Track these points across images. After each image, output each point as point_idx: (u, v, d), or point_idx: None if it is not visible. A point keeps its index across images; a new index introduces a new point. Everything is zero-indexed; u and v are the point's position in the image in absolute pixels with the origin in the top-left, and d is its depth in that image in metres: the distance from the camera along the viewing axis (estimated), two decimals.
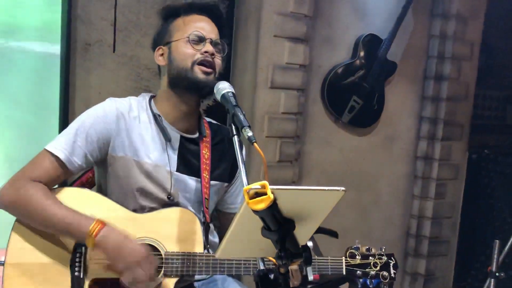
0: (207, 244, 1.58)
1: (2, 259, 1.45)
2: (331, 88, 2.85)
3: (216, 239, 1.69)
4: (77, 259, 1.46)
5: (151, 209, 1.55)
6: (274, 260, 1.08)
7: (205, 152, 1.62)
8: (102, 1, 2.39)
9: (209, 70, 1.53)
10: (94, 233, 1.39)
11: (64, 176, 1.52)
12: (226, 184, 1.71)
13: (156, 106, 1.61)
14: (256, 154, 1.17)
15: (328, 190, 1.02)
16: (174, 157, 1.59)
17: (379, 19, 2.95)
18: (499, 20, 3.35)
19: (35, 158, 1.50)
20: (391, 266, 1.64)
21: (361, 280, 1.89)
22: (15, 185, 1.45)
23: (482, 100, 3.46)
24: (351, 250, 1.63)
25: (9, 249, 1.45)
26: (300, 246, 1.06)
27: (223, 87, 1.40)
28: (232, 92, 1.39)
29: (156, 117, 1.58)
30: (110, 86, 2.44)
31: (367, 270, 1.62)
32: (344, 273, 1.61)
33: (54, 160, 1.48)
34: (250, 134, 1.24)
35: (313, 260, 1.53)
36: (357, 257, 1.63)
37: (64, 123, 2.28)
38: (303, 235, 1.08)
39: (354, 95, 2.91)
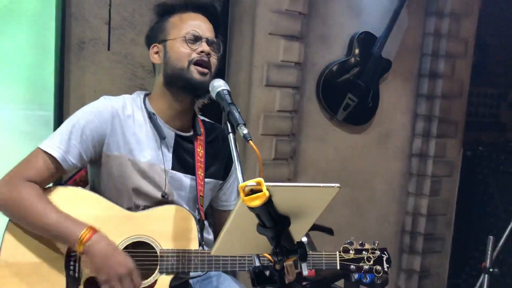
0: (202, 241, 1.57)
1: None
2: (326, 86, 2.86)
3: (211, 236, 1.69)
4: (72, 258, 1.45)
5: (146, 208, 1.55)
6: (269, 257, 1.09)
7: (200, 150, 1.62)
8: None
9: (205, 70, 1.53)
10: (84, 239, 1.38)
11: (58, 175, 1.51)
12: (220, 182, 1.71)
13: (151, 104, 1.61)
14: (252, 151, 1.17)
15: (323, 187, 1.03)
16: (169, 155, 1.59)
17: (373, 17, 2.96)
18: (493, 17, 3.37)
19: (28, 157, 1.49)
20: (384, 261, 1.66)
21: (356, 276, 1.90)
22: (8, 186, 1.44)
23: (477, 97, 3.48)
24: (344, 245, 1.65)
25: (2, 249, 1.44)
26: (295, 243, 1.06)
27: (218, 85, 1.41)
28: (227, 90, 1.39)
29: (151, 116, 1.57)
30: (105, 84, 2.43)
31: (360, 264, 1.64)
32: (338, 267, 1.62)
33: (48, 159, 1.47)
34: (245, 131, 1.24)
35: (307, 255, 1.54)
36: (351, 252, 1.64)
37: (59, 121, 2.27)
38: (299, 231, 1.09)
39: (349, 92, 2.92)
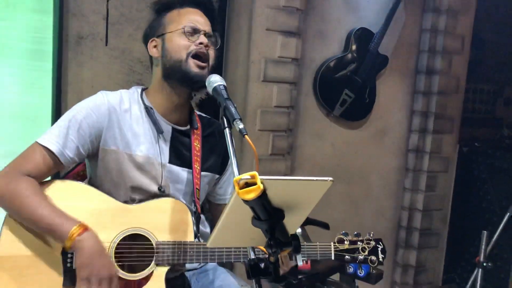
0: (197, 233, 1.59)
1: None
2: (323, 82, 2.87)
3: (208, 230, 1.70)
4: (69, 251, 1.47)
5: (141, 201, 1.57)
6: (264, 249, 1.10)
7: (196, 144, 1.64)
8: None
9: (203, 64, 1.54)
10: (74, 235, 1.39)
11: (56, 169, 1.52)
12: (217, 176, 1.73)
13: (148, 98, 1.62)
14: (249, 146, 1.18)
15: (316, 180, 1.05)
16: (166, 149, 1.60)
17: (371, 13, 2.97)
18: (489, 14, 3.38)
19: (26, 151, 1.50)
20: (379, 251, 1.67)
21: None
22: (5, 179, 1.45)
23: (473, 93, 3.50)
24: (339, 236, 1.66)
25: (0, 242, 1.45)
26: (289, 235, 1.08)
27: (215, 80, 1.42)
28: (224, 85, 1.41)
29: (148, 110, 1.59)
30: (103, 79, 2.44)
31: (355, 255, 1.64)
32: (333, 258, 1.63)
33: (46, 153, 1.48)
34: (241, 126, 1.26)
35: (302, 246, 1.56)
36: (346, 242, 1.65)
37: (57, 116, 2.28)
38: (293, 224, 1.11)
39: (346, 88, 2.93)
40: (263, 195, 1.01)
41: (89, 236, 1.40)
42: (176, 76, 1.55)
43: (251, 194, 1.00)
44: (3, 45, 2.24)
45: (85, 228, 1.41)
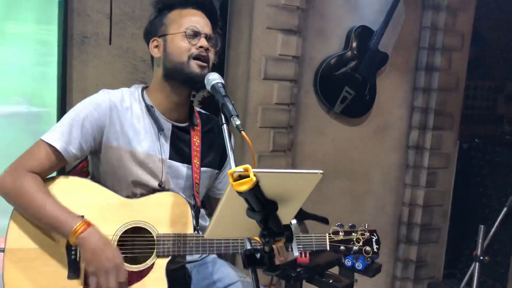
0: (197, 226, 1.63)
1: (2, 245, 1.51)
2: (323, 79, 2.90)
3: (207, 223, 1.75)
4: None
5: (142, 195, 1.61)
6: (259, 240, 1.15)
7: (196, 140, 1.68)
8: None
9: (204, 64, 1.58)
10: (78, 231, 1.44)
11: (60, 165, 1.57)
12: (216, 171, 1.77)
13: (149, 96, 1.66)
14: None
15: (306, 173, 1.09)
16: (166, 145, 1.65)
17: (370, 10, 2.99)
18: (489, 11, 3.39)
19: (31, 148, 1.55)
20: (373, 242, 1.69)
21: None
22: (11, 176, 1.51)
23: (473, 90, 3.51)
24: (334, 227, 1.69)
25: (8, 236, 1.51)
26: (282, 225, 1.12)
27: (213, 78, 1.47)
28: (222, 83, 1.45)
29: (149, 108, 1.63)
30: (107, 77, 2.49)
31: (350, 245, 1.67)
32: (328, 248, 1.66)
33: (50, 150, 1.53)
34: (238, 122, 1.30)
35: (297, 237, 1.60)
36: (340, 233, 1.68)
37: (62, 114, 2.32)
38: (286, 215, 1.14)
39: (346, 86, 2.96)
40: (256, 187, 1.05)
41: (92, 232, 1.45)
42: (178, 77, 1.59)
43: (244, 186, 1.04)
44: (8, 45, 2.29)
45: (88, 225, 1.46)
